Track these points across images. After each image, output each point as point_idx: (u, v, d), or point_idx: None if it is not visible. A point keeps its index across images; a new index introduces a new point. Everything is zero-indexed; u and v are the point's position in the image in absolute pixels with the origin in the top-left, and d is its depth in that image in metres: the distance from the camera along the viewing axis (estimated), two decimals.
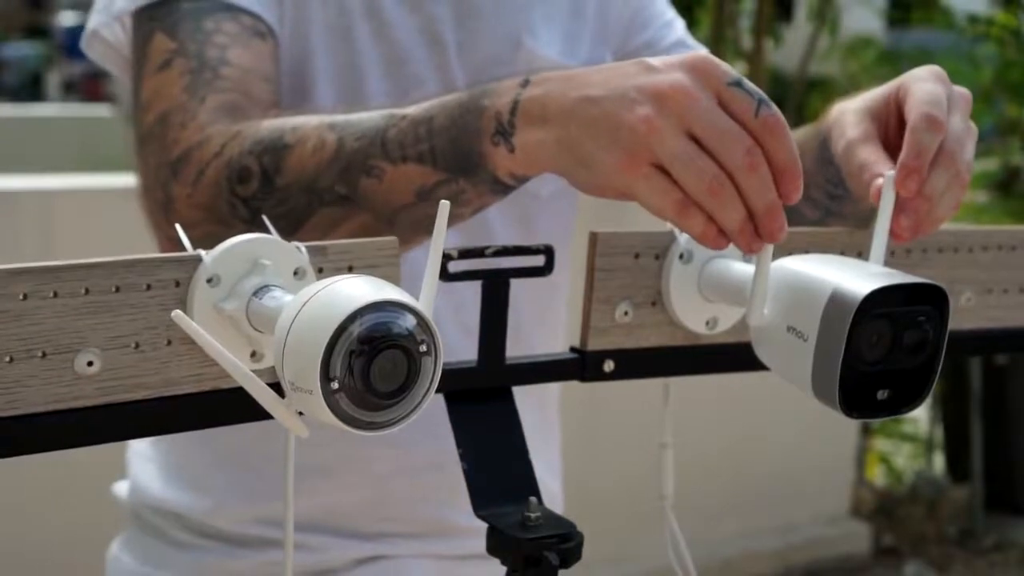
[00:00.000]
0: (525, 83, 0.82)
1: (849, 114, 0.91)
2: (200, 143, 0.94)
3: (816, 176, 0.99)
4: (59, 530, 2.39)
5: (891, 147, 0.87)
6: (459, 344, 0.99)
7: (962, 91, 0.88)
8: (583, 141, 0.78)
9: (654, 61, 0.77)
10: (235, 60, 1.00)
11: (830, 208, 0.99)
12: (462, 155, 0.83)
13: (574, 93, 0.79)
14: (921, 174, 0.82)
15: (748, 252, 0.74)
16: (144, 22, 1.05)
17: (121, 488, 1.26)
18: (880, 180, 0.81)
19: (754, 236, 0.74)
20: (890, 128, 0.90)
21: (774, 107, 0.75)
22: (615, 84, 0.78)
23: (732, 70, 0.76)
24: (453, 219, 0.87)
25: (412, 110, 0.87)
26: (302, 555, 1.13)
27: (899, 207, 0.82)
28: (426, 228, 0.86)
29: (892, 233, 0.81)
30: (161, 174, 0.96)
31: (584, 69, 0.81)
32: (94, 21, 1.09)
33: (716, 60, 0.77)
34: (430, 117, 0.85)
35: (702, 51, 0.84)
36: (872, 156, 0.87)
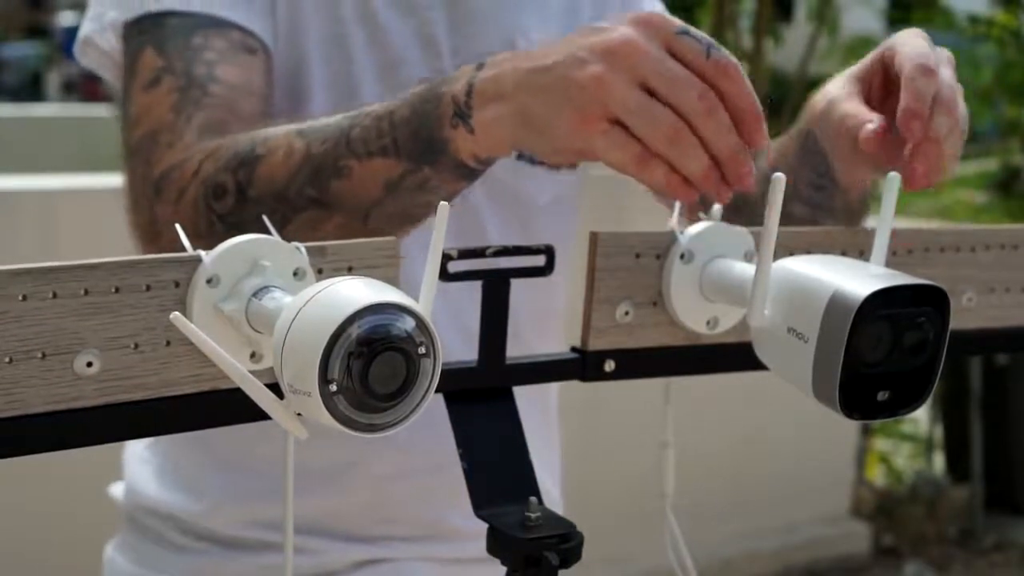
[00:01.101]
0: (480, 66, 0.83)
1: (832, 82, 0.94)
2: (181, 163, 0.95)
3: (802, 171, 1.00)
4: (59, 530, 2.39)
5: (873, 106, 0.89)
6: (458, 348, 0.99)
7: (946, 51, 0.90)
8: (537, 108, 0.78)
9: (601, 23, 0.78)
10: (223, 77, 1.01)
11: (818, 202, 0.99)
12: (424, 143, 0.84)
13: (526, 66, 0.80)
14: (923, 116, 0.83)
15: (718, 200, 0.75)
16: (134, 36, 1.05)
17: (117, 490, 1.25)
18: (869, 126, 0.81)
19: (721, 182, 0.74)
20: (873, 88, 0.91)
21: (725, 51, 0.75)
22: (563, 49, 0.78)
23: (679, 21, 0.77)
24: (423, 208, 0.89)
25: (374, 107, 0.88)
26: (301, 558, 1.13)
27: (911, 156, 0.83)
28: (400, 222, 0.89)
29: (907, 182, 0.82)
30: (146, 193, 0.97)
31: (537, 48, 0.82)
32: (86, 28, 1.10)
33: (662, 13, 0.77)
34: (391, 111, 0.86)
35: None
36: (854, 109, 0.88)
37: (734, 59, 0.76)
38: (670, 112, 0.74)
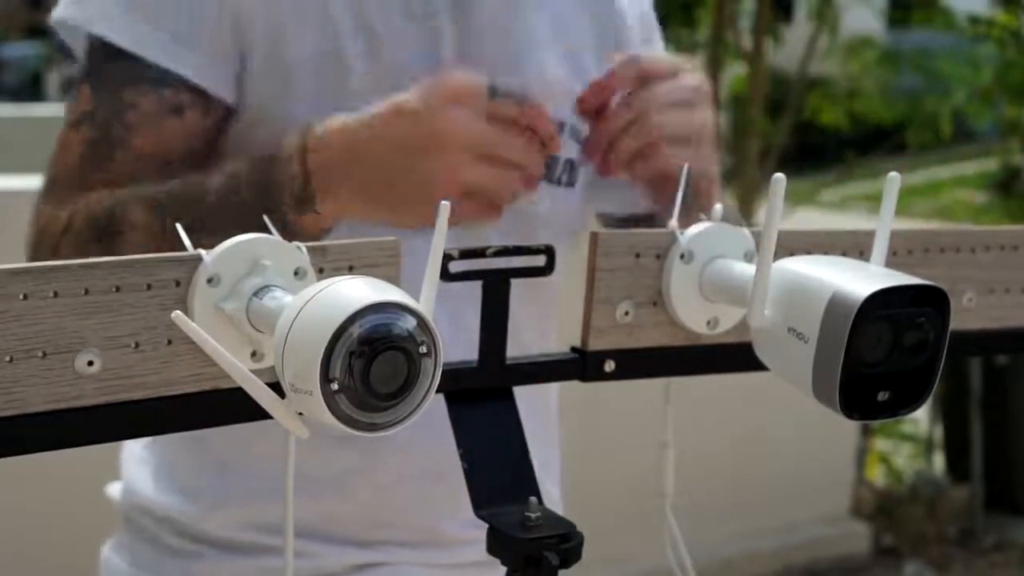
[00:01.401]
0: (303, 151, 0.95)
1: None
2: (53, 219, 1.03)
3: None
4: (58, 530, 2.39)
5: None
6: (458, 349, 1.00)
7: (700, 84, 1.07)
8: (388, 197, 0.93)
9: (415, 102, 0.94)
10: (135, 144, 1.04)
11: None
12: (274, 223, 0.93)
13: (365, 157, 0.94)
14: (603, 85, 1.04)
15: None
16: (85, 60, 1.09)
17: (114, 489, 1.25)
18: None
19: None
20: None
21: (531, 100, 0.95)
22: (396, 139, 0.93)
23: (483, 81, 0.95)
24: None
25: (216, 185, 0.97)
26: (297, 561, 1.12)
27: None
28: None
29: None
30: (32, 242, 1.06)
31: (354, 129, 0.95)
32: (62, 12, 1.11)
33: (468, 79, 0.95)
34: (236, 190, 0.96)
35: (455, 74, 0.98)
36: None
37: (538, 105, 0.96)
38: (509, 174, 0.95)
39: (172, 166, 1.06)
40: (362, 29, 1.08)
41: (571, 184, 1.19)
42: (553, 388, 1.26)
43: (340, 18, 1.08)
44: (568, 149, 1.17)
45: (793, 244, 0.80)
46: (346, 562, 1.15)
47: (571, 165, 1.18)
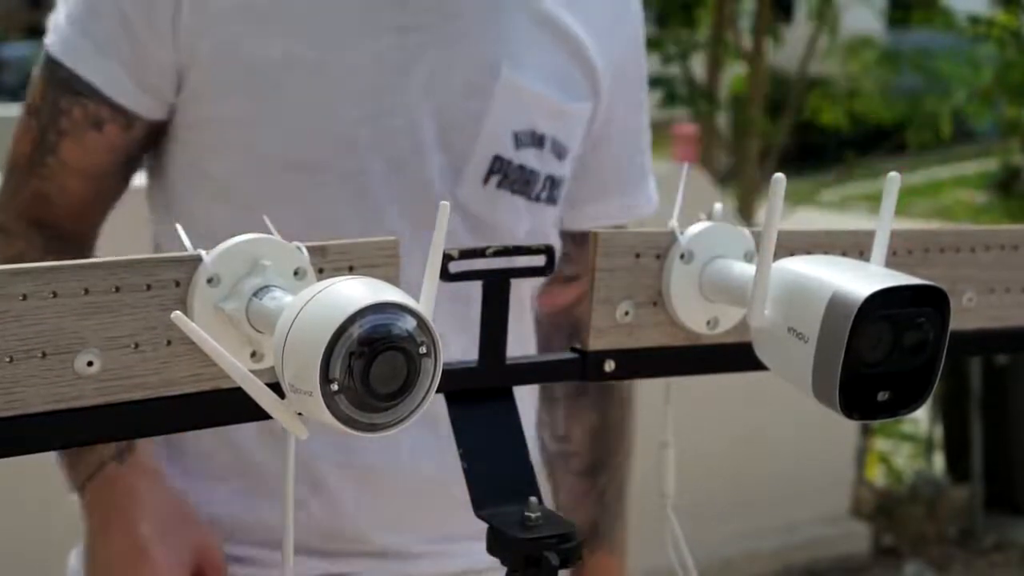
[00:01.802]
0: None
1: None
2: (6, 236, 1.11)
3: None
4: (59, 530, 2.39)
5: None
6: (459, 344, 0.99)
7: None
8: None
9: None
10: (62, 153, 1.09)
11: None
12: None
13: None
14: None
15: None
16: (44, 55, 1.12)
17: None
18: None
19: None
20: None
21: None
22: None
23: None
24: None
25: None
26: (250, 570, 1.10)
27: None
28: None
29: None
30: None
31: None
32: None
33: None
34: None
35: None
36: None
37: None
38: None
39: (98, 182, 1.10)
40: (337, 35, 1.07)
41: (552, 201, 1.16)
42: (526, 390, 1.24)
43: (312, 23, 1.06)
44: (549, 165, 1.15)
45: (793, 244, 0.80)
46: (309, 572, 1.13)
47: (552, 182, 1.16)
